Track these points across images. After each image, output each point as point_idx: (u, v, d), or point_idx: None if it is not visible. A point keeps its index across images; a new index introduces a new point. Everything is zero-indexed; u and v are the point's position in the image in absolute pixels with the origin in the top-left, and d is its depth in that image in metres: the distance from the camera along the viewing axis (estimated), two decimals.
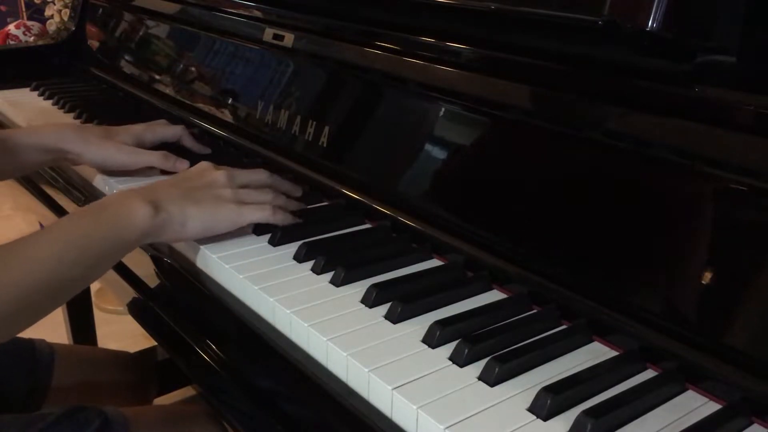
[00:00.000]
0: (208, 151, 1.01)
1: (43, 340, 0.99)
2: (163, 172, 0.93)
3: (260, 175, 0.80)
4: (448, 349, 0.56)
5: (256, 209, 0.74)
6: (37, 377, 0.95)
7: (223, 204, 0.73)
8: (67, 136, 0.91)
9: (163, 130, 0.99)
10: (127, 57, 1.35)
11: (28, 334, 0.99)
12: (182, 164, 0.93)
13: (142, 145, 0.95)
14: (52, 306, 0.66)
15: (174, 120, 1.15)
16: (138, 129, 0.96)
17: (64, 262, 0.63)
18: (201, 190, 0.73)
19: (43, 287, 0.62)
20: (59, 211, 1.03)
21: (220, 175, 0.76)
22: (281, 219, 0.75)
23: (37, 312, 0.63)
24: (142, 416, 0.81)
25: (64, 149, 0.90)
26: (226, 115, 1.05)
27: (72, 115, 1.19)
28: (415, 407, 0.50)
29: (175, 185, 0.73)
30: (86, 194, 0.94)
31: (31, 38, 2.14)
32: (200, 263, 0.74)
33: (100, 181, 0.93)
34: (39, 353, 0.97)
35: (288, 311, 0.62)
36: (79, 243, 0.65)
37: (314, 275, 0.68)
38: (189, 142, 1.01)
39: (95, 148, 0.91)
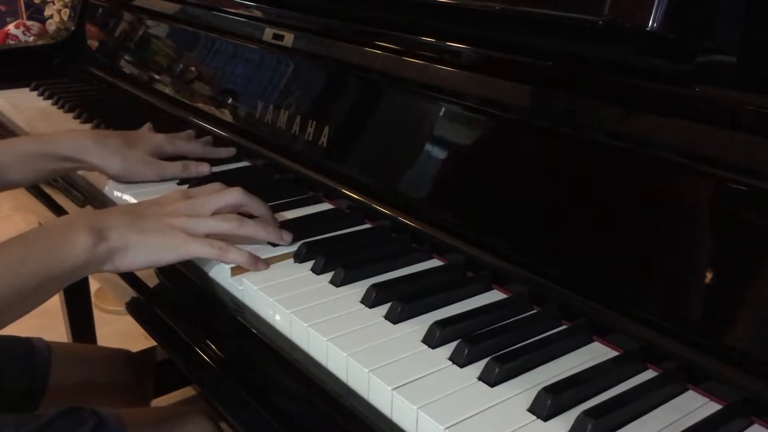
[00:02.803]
0: (232, 152, 0.99)
1: (41, 339, 0.99)
2: (182, 181, 0.91)
3: (229, 198, 0.73)
4: (448, 349, 0.56)
5: (204, 244, 0.68)
6: (34, 376, 0.94)
7: (171, 236, 0.68)
8: (86, 146, 0.88)
9: (183, 144, 0.96)
10: (127, 57, 1.35)
11: (27, 333, 1.00)
12: (204, 168, 0.91)
13: (162, 157, 0.93)
14: None
15: (174, 120, 1.15)
16: (159, 140, 0.94)
17: None
18: (152, 219, 0.69)
19: None
20: (59, 211, 1.03)
21: (180, 204, 0.71)
22: (235, 258, 0.68)
23: None
24: (137, 417, 0.81)
25: (83, 160, 0.88)
26: (226, 115, 1.05)
27: (72, 115, 1.19)
28: (415, 407, 0.50)
29: (128, 213, 0.70)
30: (86, 194, 0.94)
31: (31, 38, 2.14)
32: (200, 263, 0.74)
33: (111, 189, 0.91)
34: (37, 352, 0.96)
35: (288, 311, 0.62)
36: (11, 271, 0.63)
37: (314, 275, 0.68)
38: (213, 152, 0.98)
39: (119, 161, 0.88)
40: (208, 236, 0.70)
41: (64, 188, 0.99)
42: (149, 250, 0.68)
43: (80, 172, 0.98)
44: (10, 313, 0.64)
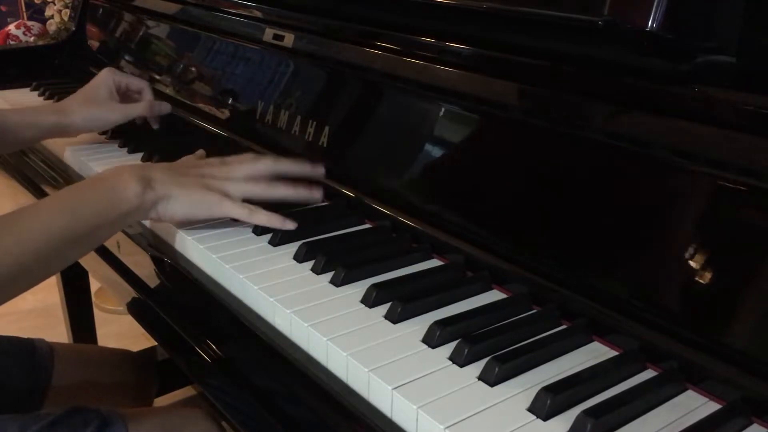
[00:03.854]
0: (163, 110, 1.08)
1: (42, 340, 0.99)
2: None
3: (262, 167, 0.79)
4: (448, 349, 0.56)
5: (237, 206, 0.75)
6: (36, 376, 0.95)
7: (208, 194, 0.75)
8: (56, 107, 1.00)
9: (131, 80, 1.08)
10: (127, 57, 1.35)
11: (27, 333, 1.00)
12: (165, 107, 1.06)
13: (120, 89, 1.05)
14: (44, 273, 0.68)
15: (174, 120, 1.15)
16: (113, 83, 1.04)
17: (54, 231, 0.66)
18: (191, 177, 0.76)
19: (36, 255, 0.65)
20: None
21: (214, 166, 0.79)
22: (263, 220, 0.75)
23: (29, 279, 0.66)
24: (140, 417, 0.81)
25: (61, 123, 0.98)
26: (226, 115, 1.05)
27: None
28: (415, 407, 0.50)
29: (170, 168, 0.77)
30: None
31: (32, 38, 2.15)
32: (201, 263, 0.74)
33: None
34: (38, 352, 0.97)
35: (288, 311, 0.62)
36: (70, 214, 0.68)
37: (314, 275, 0.68)
38: (148, 95, 1.08)
39: (86, 113, 0.99)
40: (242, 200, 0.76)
41: None
42: (188, 204, 0.74)
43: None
44: (72, 253, 0.71)
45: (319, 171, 0.83)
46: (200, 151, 0.90)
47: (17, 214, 0.66)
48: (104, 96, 1.03)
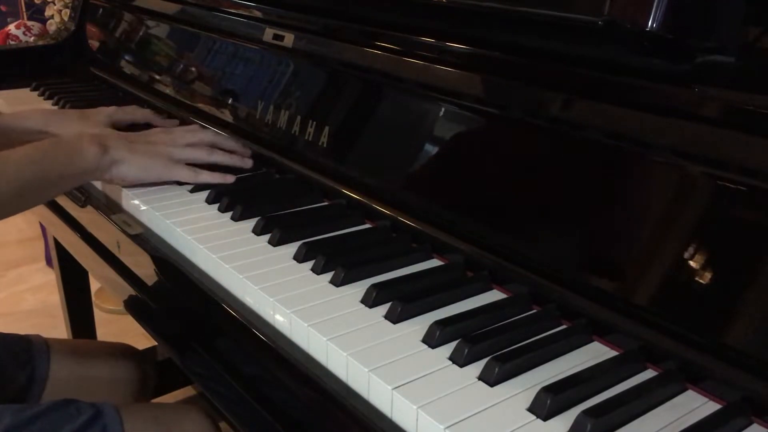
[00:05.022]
0: (176, 122, 1.13)
1: (39, 336, 0.99)
2: None
3: (202, 135, 0.94)
4: (448, 349, 0.56)
5: (183, 169, 0.88)
6: (33, 372, 0.95)
7: (156, 158, 0.87)
8: (50, 120, 1.02)
9: (133, 110, 1.12)
10: (127, 57, 1.35)
11: (27, 332, 1.00)
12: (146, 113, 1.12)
13: (116, 125, 1.06)
14: (20, 204, 0.81)
15: (174, 119, 1.15)
16: (110, 110, 1.08)
17: (26, 175, 0.78)
18: (141, 144, 0.88)
19: (12, 189, 0.77)
20: (59, 211, 1.03)
21: (163, 136, 0.92)
22: (206, 178, 0.88)
23: (5, 207, 0.78)
24: (136, 412, 0.81)
25: (48, 132, 0.99)
26: (227, 115, 1.05)
27: None
28: (415, 407, 0.50)
29: (123, 137, 0.89)
30: (86, 195, 0.94)
31: (32, 38, 2.14)
32: (201, 263, 0.74)
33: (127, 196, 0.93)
34: (35, 348, 0.97)
35: (288, 311, 0.62)
36: (38, 165, 0.80)
37: (314, 275, 0.68)
38: (158, 121, 1.12)
39: (76, 129, 1.01)
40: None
41: None
42: (139, 167, 0.86)
43: None
44: (42, 196, 0.86)
45: (248, 162, 0.95)
46: (173, 121, 1.04)
47: None
48: (100, 118, 1.07)
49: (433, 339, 0.57)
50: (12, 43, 2.11)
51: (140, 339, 1.59)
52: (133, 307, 0.85)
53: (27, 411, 0.74)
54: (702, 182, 0.56)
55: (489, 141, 0.72)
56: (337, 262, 0.68)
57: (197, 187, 0.88)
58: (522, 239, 0.66)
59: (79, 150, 0.83)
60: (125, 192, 0.88)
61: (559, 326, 0.61)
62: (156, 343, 1.23)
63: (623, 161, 0.61)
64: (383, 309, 0.62)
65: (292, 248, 0.73)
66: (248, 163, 0.94)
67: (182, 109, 1.15)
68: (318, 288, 0.66)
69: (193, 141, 0.92)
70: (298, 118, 0.91)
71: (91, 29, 1.49)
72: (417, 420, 0.50)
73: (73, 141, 0.84)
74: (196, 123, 1.05)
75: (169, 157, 0.88)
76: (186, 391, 1.48)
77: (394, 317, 0.61)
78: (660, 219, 0.57)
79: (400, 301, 0.61)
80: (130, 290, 0.83)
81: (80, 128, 1.01)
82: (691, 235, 0.55)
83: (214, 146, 0.93)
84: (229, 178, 0.89)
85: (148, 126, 1.08)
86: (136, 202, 0.86)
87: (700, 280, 0.54)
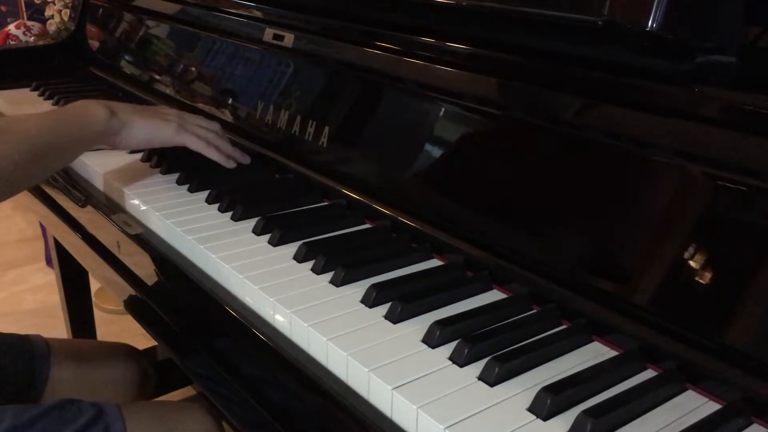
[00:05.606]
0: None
1: (39, 336, 0.99)
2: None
3: (211, 123, 0.95)
4: (448, 349, 0.56)
5: (194, 137, 0.89)
6: (33, 372, 0.95)
7: (167, 123, 0.89)
8: None
9: None
10: (127, 57, 1.35)
11: (27, 332, 1.00)
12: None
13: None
14: (35, 172, 0.81)
15: None
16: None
17: (39, 142, 0.79)
18: (151, 112, 0.92)
19: (31, 155, 0.77)
20: (59, 211, 1.03)
21: (174, 111, 0.94)
22: (214, 154, 0.90)
23: (20, 174, 0.77)
24: (137, 411, 0.81)
25: None
26: (227, 115, 1.05)
27: None
28: (415, 407, 0.50)
29: (132, 106, 0.91)
30: (86, 194, 0.94)
31: (32, 38, 2.14)
32: (201, 263, 0.74)
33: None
34: (35, 348, 0.97)
35: (288, 311, 0.62)
36: (51, 131, 0.81)
37: (314, 275, 0.68)
38: None
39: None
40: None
41: (64, 188, 0.99)
42: (147, 129, 0.88)
43: (81, 175, 0.99)
44: (53, 162, 0.84)
45: (244, 159, 0.95)
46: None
47: (6, 124, 0.80)
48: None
49: (433, 339, 0.57)
50: (12, 43, 2.11)
51: (140, 339, 1.59)
52: (133, 307, 0.85)
53: (28, 412, 0.74)
54: (702, 182, 0.56)
55: (488, 141, 0.72)
56: (337, 262, 0.68)
57: (197, 187, 0.88)
58: (522, 239, 0.66)
59: (88, 114, 0.85)
60: (126, 192, 0.88)
61: (559, 326, 0.61)
62: (156, 343, 1.23)
63: (623, 161, 0.61)
64: (383, 309, 0.62)
65: (292, 248, 0.73)
66: (246, 160, 0.95)
67: (182, 109, 1.14)
68: (318, 288, 0.66)
69: (203, 124, 0.94)
70: (298, 118, 0.91)
71: (91, 29, 1.49)
72: (417, 420, 0.50)
73: (81, 106, 0.86)
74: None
75: (179, 124, 0.90)
76: (186, 391, 1.48)
77: (394, 317, 0.61)
78: (660, 219, 0.57)
79: (400, 301, 0.61)
80: (130, 290, 0.83)
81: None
82: (691, 235, 0.55)
83: (217, 140, 0.93)
84: (231, 163, 0.91)
85: None
86: (136, 202, 0.86)
87: (700, 280, 0.54)
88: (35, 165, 0.79)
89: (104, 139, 0.87)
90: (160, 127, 0.89)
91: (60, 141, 0.82)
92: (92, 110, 0.85)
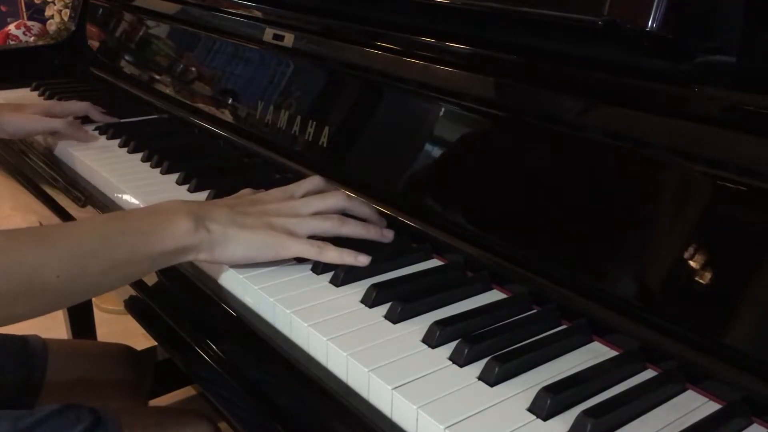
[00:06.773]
0: (116, 119, 1.12)
1: (36, 336, 0.99)
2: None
3: (332, 201, 0.73)
4: (448, 349, 0.56)
5: (304, 243, 0.68)
6: (30, 372, 0.94)
7: (273, 234, 0.68)
8: None
9: (70, 104, 1.11)
10: (127, 57, 1.35)
11: (27, 332, 1.00)
12: (85, 134, 1.06)
13: (51, 116, 1.06)
14: (57, 300, 0.63)
15: (175, 120, 1.15)
16: (47, 103, 1.08)
17: (80, 252, 0.61)
18: (254, 217, 0.69)
19: (53, 276, 0.59)
20: (59, 211, 1.03)
21: (279, 201, 0.72)
22: (333, 257, 0.68)
23: (34, 303, 0.61)
24: (136, 417, 0.80)
25: None
26: (227, 115, 1.05)
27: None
28: (415, 407, 0.50)
29: (228, 206, 0.70)
30: (86, 194, 0.94)
31: (32, 38, 2.14)
32: (200, 263, 0.74)
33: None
34: (32, 348, 0.96)
35: (288, 311, 0.62)
36: (104, 239, 0.63)
37: (314, 275, 0.68)
38: (97, 116, 1.12)
39: (7, 119, 1.03)
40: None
41: (64, 188, 0.99)
42: (249, 246, 0.67)
43: (83, 175, 0.99)
44: (93, 282, 0.63)
45: (388, 234, 0.74)
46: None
47: (47, 228, 0.63)
48: (35, 110, 1.07)
49: (433, 339, 0.57)
50: (12, 43, 2.11)
51: (140, 339, 1.59)
52: (133, 307, 0.85)
53: (26, 418, 0.73)
54: (702, 182, 0.56)
55: (488, 141, 0.72)
56: None
57: (196, 187, 0.88)
58: (522, 239, 0.66)
59: (166, 223, 0.65)
60: (126, 192, 0.88)
61: (559, 326, 0.61)
62: (156, 343, 1.23)
63: (623, 161, 0.61)
64: (383, 309, 0.62)
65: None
66: (388, 236, 0.73)
67: (182, 109, 1.15)
68: (318, 288, 0.66)
69: (321, 209, 0.72)
70: (298, 118, 0.91)
71: (91, 29, 1.49)
72: (417, 420, 0.50)
73: (162, 212, 0.66)
74: (317, 175, 0.79)
75: (288, 232, 0.69)
76: (186, 391, 1.48)
77: (394, 317, 0.61)
78: (660, 219, 0.57)
79: (400, 301, 0.61)
80: (130, 290, 0.83)
81: (16, 119, 1.02)
82: (691, 235, 0.55)
83: (344, 213, 0.73)
84: (363, 260, 0.68)
85: (87, 119, 1.12)
86: (136, 202, 0.86)
87: (700, 280, 0.54)
88: (60, 288, 0.61)
89: (184, 256, 0.66)
90: (266, 245, 0.68)
91: (110, 257, 0.63)
92: (173, 218, 0.65)
